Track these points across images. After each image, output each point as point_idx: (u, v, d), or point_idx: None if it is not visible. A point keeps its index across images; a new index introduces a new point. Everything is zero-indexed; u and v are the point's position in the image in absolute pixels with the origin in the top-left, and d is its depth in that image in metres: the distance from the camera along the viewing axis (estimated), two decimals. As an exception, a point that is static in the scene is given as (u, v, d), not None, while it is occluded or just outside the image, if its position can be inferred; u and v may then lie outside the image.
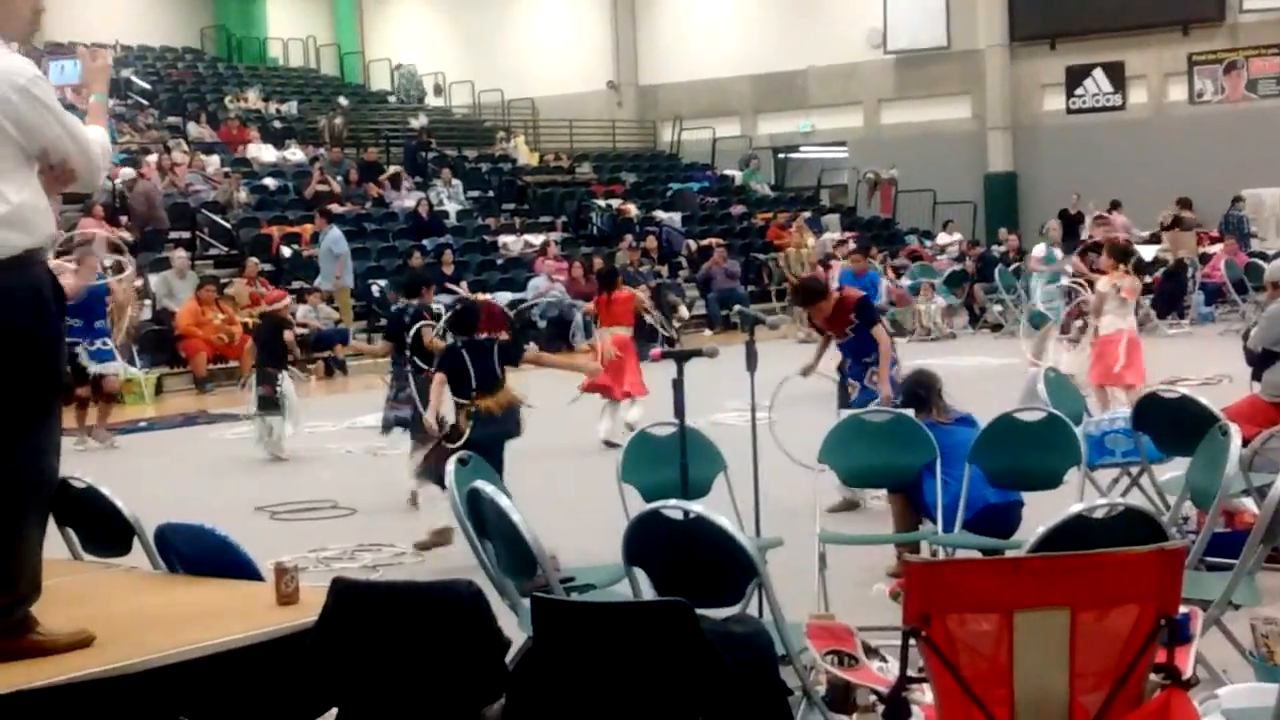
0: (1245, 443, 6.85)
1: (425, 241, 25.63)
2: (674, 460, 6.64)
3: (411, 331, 11.01)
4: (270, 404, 13.62)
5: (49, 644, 4.60)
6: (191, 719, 4.56)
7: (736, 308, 23.01)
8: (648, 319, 15.43)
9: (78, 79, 5.07)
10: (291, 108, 33.77)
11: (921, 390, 8.15)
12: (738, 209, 32.76)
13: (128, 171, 24.21)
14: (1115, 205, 28.36)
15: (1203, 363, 16.84)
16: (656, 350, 10.95)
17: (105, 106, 5.10)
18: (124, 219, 23.52)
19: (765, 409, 9.17)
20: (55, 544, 5.70)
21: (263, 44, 39.63)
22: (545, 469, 11.93)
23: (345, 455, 13.84)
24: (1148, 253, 24.55)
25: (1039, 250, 21.67)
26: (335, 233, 22.98)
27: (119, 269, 16.06)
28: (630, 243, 27.06)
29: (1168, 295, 23.53)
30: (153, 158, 25.96)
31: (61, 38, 31.61)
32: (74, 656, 4.56)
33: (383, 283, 23.98)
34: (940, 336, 23.15)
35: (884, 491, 8.15)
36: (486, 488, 5.66)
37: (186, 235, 24.02)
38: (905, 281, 25.11)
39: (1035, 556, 4.34)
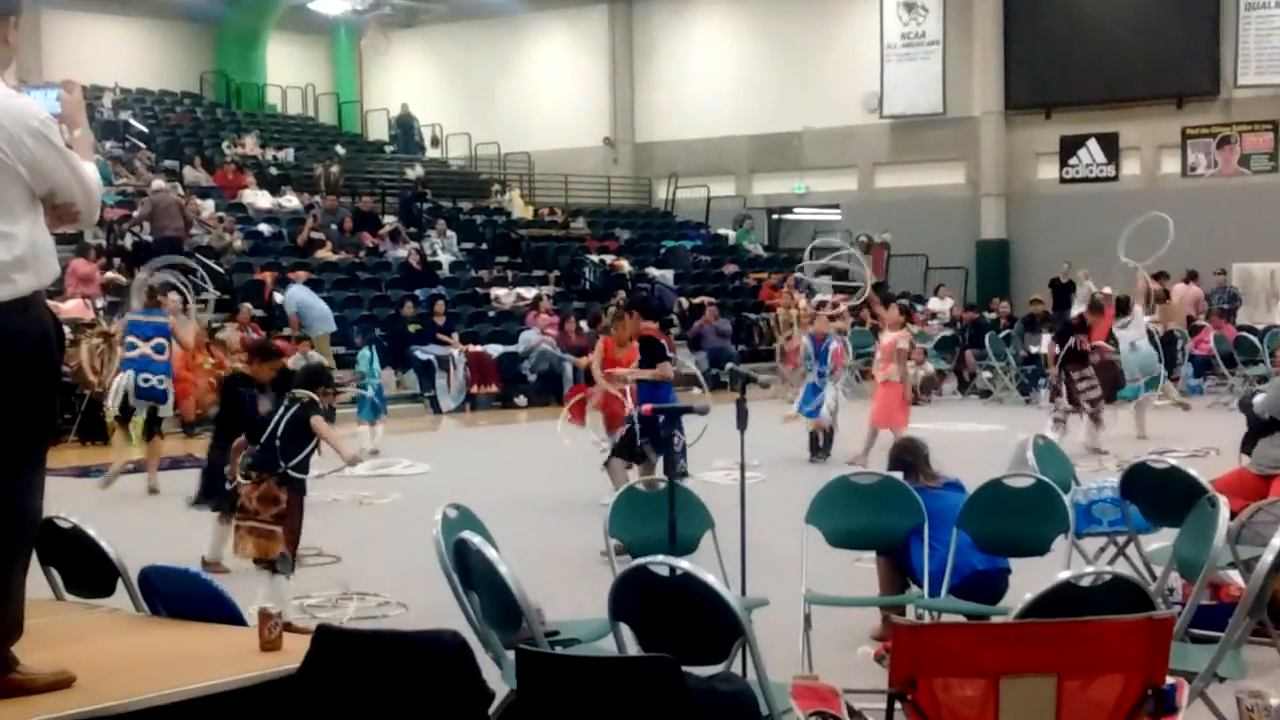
0: (1232, 515, 6.85)
1: (418, 291, 25.66)
2: (662, 517, 6.64)
3: None
4: None
5: (29, 684, 4.58)
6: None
7: (728, 366, 22.99)
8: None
9: (58, 110, 5.06)
10: (288, 155, 33.84)
11: (908, 456, 8.16)
12: (730, 268, 32.84)
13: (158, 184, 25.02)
14: (1193, 275, 27.96)
15: (1191, 435, 16.88)
16: (647, 406, 11.00)
17: (91, 140, 5.11)
18: (116, 260, 23.57)
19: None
20: (38, 584, 5.68)
21: (261, 91, 39.75)
22: (532, 522, 11.91)
23: (330, 503, 13.79)
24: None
25: None
26: (292, 290, 23.23)
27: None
28: (622, 299, 27.08)
29: (1157, 366, 23.52)
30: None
31: (59, 79, 31.73)
32: (54, 697, 4.54)
33: (378, 332, 23.99)
34: (919, 401, 23.11)
35: (871, 554, 8.13)
36: (474, 539, 5.65)
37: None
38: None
39: (1023, 622, 4.34)
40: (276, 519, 8.62)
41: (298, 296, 23.26)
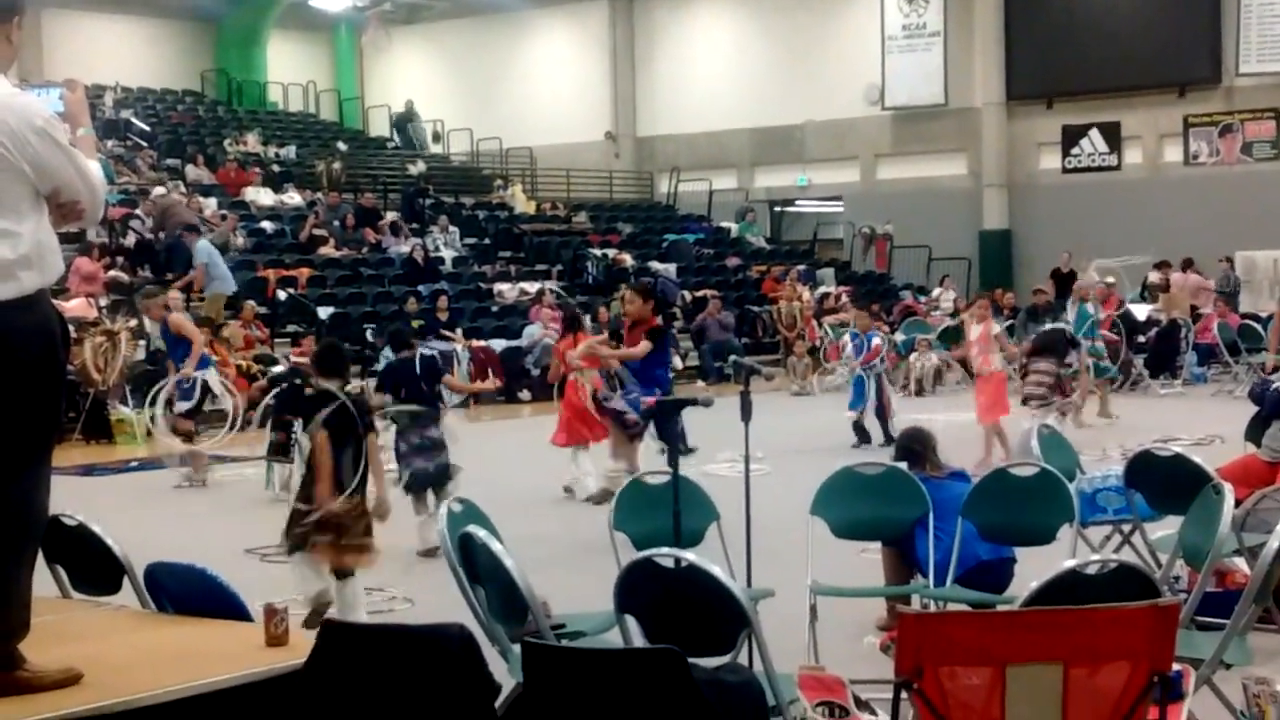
0: (1237, 503, 6.84)
1: (421, 288, 25.66)
2: (667, 509, 6.63)
3: None
4: (281, 450, 13.63)
5: (36, 681, 4.58)
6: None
7: (732, 358, 22.99)
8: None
9: (61, 109, 5.04)
10: (290, 152, 33.86)
11: (916, 445, 8.16)
12: (733, 261, 32.82)
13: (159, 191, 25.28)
14: (1188, 263, 28.01)
15: (1195, 423, 16.86)
16: (650, 398, 11.01)
17: (94, 139, 5.10)
18: (120, 259, 23.58)
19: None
20: (45, 581, 5.68)
21: (263, 88, 39.74)
22: (537, 516, 11.90)
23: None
24: (1141, 312, 24.57)
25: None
26: (203, 243, 23.46)
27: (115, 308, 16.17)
28: (624, 293, 27.05)
29: (1160, 355, 23.53)
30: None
31: (61, 78, 31.71)
32: (61, 694, 4.54)
33: (373, 327, 23.97)
34: (923, 392, 23.12)
35: (877, 544, 8.13)
36: (479, 533, 5.65)
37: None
38: (899, 337, 25.06)
39: (1029, 611, 4.33)
40: (367, 531, 8.10)
41: (208, 249, 23.35)
